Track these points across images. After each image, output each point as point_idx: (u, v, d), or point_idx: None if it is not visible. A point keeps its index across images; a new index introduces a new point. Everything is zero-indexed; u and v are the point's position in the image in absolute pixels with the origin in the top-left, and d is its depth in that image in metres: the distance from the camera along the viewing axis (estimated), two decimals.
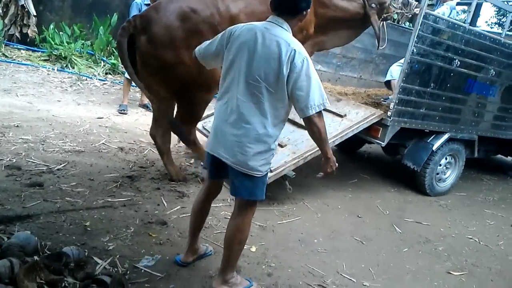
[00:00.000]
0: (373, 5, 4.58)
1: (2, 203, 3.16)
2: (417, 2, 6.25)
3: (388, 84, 5.55)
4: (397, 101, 4.33)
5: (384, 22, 5.55)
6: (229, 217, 2.65)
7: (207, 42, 2.62)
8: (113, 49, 8.39)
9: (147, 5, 5.87)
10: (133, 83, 6.79)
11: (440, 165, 5.05)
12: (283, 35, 2.27)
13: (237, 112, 2.32)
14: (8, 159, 3.88)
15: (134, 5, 5.92)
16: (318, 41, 4.63)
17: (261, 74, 2.25)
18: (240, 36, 2.33)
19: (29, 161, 3.94)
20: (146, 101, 6.32)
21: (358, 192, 4.79)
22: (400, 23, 7.46)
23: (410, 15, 6.67)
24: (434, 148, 4.80)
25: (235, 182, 2.45)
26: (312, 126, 2.30)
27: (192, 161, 4.73)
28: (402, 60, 5.34)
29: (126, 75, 6.18)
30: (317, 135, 2.34)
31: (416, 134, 4.85)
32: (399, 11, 5.18)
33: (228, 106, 2.37)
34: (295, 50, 2.22)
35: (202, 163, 4.37)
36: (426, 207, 4.80)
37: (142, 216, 3.37)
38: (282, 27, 2.30)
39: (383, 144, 4.47)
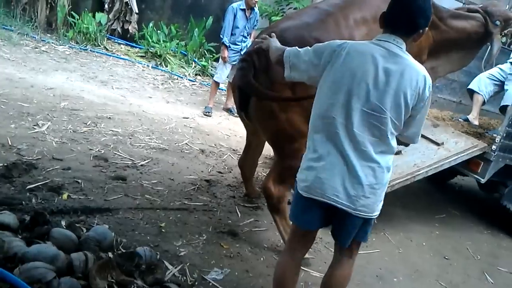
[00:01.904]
0: (498, 22, 4.00)
1: (86, 193, 3.26)
2: None
3: (503, 110, 4.91)
4: (504, 135, 3.87)
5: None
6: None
7: (302, 49, 2.19)
8: (205, 51, 8.58)
9: (242, 10, 5.91)
10: (221, 87, 6.91)
11: None
12: (407, 57, 1.96)
13: (356, 150, 1.96)
14: (97, 149, 4.03)
15: (229, 10, 5.97)
16: (430, 67, 4.16)
17: (386, 103, 1.91)
18: (353, 57, 1.97)
19: (116, 154, 4.06)
20: (231, 105, 6.33)
21: (446, 230, 4.35)
22: (510, 46, 6.79)
23: None
24: None
25: (350, 228, 2.07)
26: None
27: None
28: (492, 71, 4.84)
29: (215, 78, 6.25)
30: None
31: None
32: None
33: (339, 141, 1.97)
34: (425, 76, 1.95)
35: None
36: None
37: (215, 224, 3.30)
38: (401, 47, 1.96)
39: (483, 181, 4.03)
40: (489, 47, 4.20)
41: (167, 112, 5.69)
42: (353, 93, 1.93)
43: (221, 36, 6.03)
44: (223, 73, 6.17)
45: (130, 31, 8.61)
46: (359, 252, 3.37)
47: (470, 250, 4.05)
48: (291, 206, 2.25)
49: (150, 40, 8.32)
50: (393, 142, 2.02)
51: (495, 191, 4.74)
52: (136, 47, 8.52)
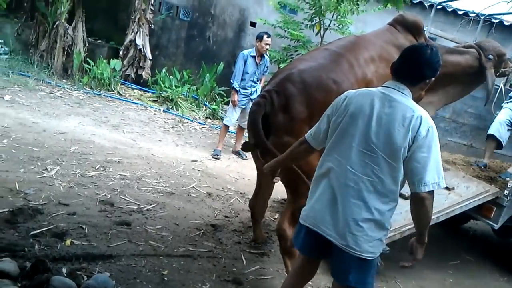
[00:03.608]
0: (490, 56, 4.18)
1: (89, 239, 3.24)
2: None
3: None
4: None
5: (503, 87, 5.07)
6: None
7: (316, 124, 2.36)
8: (216, 95, 8.74)
9: (252, 57, 6.07)
10: (231, 130, 6.98)
11: None
12: (405, 101, 2.03)
13: (347, 186, 2.07)
14: (104, 194, 4.03)
15: (240, 56, 6.13)
16: (428, 102, 4.28)
17: (379, 144, 2.01)
18: (353, 102, 2.12)
19: (123, 198, 4.06)
20: (239, 148, 6.35)
21: (460, 277, 4.19)
22: None
23: None
24: None
25: (341, 264, 2.14)
26: (420, 205, 2.00)
27: (277, 216, 4.54)
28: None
29: (225, 121, 6.32)
30: (423, 217, 2.04)
31: None
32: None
33: (335, 177, 2.11)
34: (421, 117, 1.98)
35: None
36: None
37: (219, 272, 3.23)
38: (402, 92, 2.06)
39: (496, 226, 3.91)
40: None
41: (176, 155, 5.72)
42: (351, 133, 2.08)
43: (231, 81, 6.16)
44: (233, 117, 6.25)
45: (144, 76, 8.86)
46: None
47: None
48: (295, 232, 2.43)
49: (163, 85, 8.52)
50: (392, 185, 2.03)
51: (510, 236, 4.58)
52: (148, 92, 8.72)
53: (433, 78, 2.09)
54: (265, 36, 6.01)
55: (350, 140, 2.08)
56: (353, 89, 2.64)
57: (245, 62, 6.10)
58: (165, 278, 2.99)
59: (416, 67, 2.07)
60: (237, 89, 6.10)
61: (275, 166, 2.55)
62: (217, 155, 6.12)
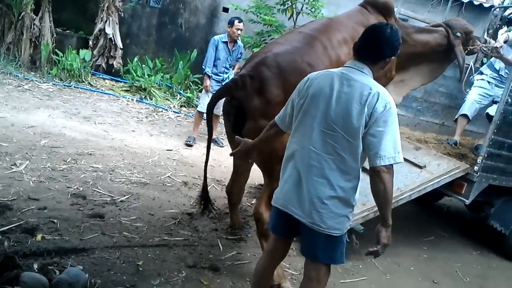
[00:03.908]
0: (458, 34, 4.27)
1: (61, 233, 3.18)
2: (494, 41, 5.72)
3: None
4: (486, 155, 3.86)
5: (473, 66, 5.15)
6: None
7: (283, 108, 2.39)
8: (190, 83, 8.62)
9: (224, 42, 5.96)
10: (205, 117, 6.89)
11: None
12: (363, 80, 2.06)
13: (310, 165, 2.11)
14: (75, 187, 3.96)
15: (212, 42, 6.03)
16: (400, 80, 4.34)
17: (338, 122, 2.05)
18: (314, 84, 2.16)
19: (95, 190, 3.99)
20: (215, 136, 6.30)
21: (435, 252, 4.28)
22: None
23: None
24: None
25: (309, 242, 2.21)
26: (378, 180, 2.00)
27: (253, 201, 4.55)
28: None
29: (198, 108, 6.25)
30: (382, 193, 2.02)
31: (506, 191, 4.29)
32: (485, 46, 4.76)
33: (300, 158, 2.16)
34: (378, 93, 2.01)
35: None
36: None
37: (195, 259, 3.22)
38: (362, 71, 2.09)
39: (467, 202, 4.00)
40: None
41: (150, 145, 5.65)
42: (313, 114, 2.12)
43: (203, 66, 6.08)
44: (206, 102, 6.08)
45: (115, 66, 8.65)
46: (345, 281, 3.36)
47: (459, 273, 3.97)
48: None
49: (135, 74, 8.36)
50: (353, 163, 2.07)
51: (482, 211, 4.70)
52: (121, 82, 8.55)
53: (393, 57, 2.14)
54: (236, 21, 5.91)
55: (311, 120, 2.12)
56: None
57: (217, 48, 6.00)
58: (140, 269, 2.96)
59: (376, 46, 2.10)
60: (209, 74, 6.02)
61: (249, 150, 2.52)
62: (190, 141, 6.03)
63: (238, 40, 6.16)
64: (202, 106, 6.13)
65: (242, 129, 3.00)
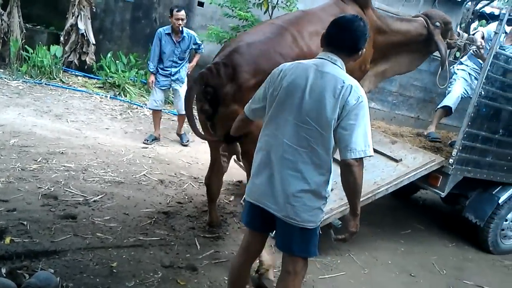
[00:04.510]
0: (437, 23, 4.31)
1: (31, 235, 3.07)
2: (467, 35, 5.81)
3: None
4: (460, 148, 3.90)
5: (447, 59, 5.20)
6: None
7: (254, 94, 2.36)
8: None
9: (168, 34, 5.63)
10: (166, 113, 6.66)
11: (506, 220, 4.48)
12: (336, 72, 2.05)
13: (284, 159, 2.10)
14: (46, 187, 3.83)
15: (156, 35, 5.70)
16: (381, 70, 4.36)
17: (312, 115, 2.03)
18: (288, 75, 2.13)
19: (67, 190, 3.87)
20: (183, 131, 6.11)
21: (412, 245, 4.32)
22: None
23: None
24: (501, 201, 4.27)
25: (284, 236, 2.22)
26: (348, 173, 2.00)
27: (232, 198, 4.50)
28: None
29: (148, 105, 6.11)
30: (351, 185, 2.03)
31: (480, 184, 4.34)
32: (462, 40, 4.82)
33: (273, 151, 2.14)
34: (351, 86, 2.00)
35: (242, 202, 4.10)
36: (489, 268, 4.24)
37: (172, 259, 3.15)
38: (335, 63, 2.08)
39: (443, 194, 4.03)
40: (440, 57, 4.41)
41: (125, 143, 5.52)
42: (287, 107, 2.10)
43: (148, 62, 5.81)
44: (154, 98, 5.84)
45: (88, 62, 8.45)
46: (324, 277, 3.35)
47: (436, 265, 4.01)
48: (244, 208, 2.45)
49: (109, 71, 8.17)
50: (325, 156, 2.06)
51: (457, 203, 4.76)
52: (94, 78, 8.35)
53: (364, 49, 2.15)
54: (175, 11, 5.54)
55: (285, 113, 2.10)
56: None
57: (160, 41, 5.63)
58: (114, 270, 2.88)
59: (352, 39, 2.08)
60: (152, 70, 5.70)
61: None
62: (147, 140, 5.74)
63: (186, 30, 5.76)
64: (150, 103, 5.96)
65: (215, 117, 3.05)
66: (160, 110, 6.05)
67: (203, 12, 9.15)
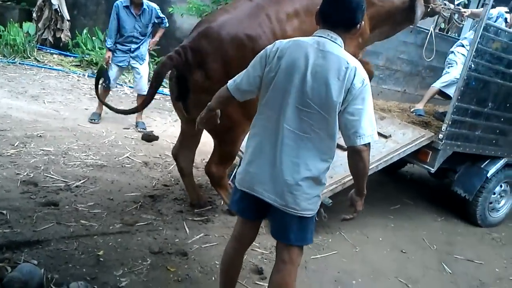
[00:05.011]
0: None
1: (12, 225, 2.93)
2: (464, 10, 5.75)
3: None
4: (450, 122, 3.85)
5: (433, 31, 5.11)
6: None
7: (242, 73, 2.19)
8: None
9: (125, 7, 5.26)
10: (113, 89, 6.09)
11: (494, 193, 4.51)
12: (339, 52, 1.93)
13: (285, 145, 1.98)
14: (25, 173, 3.67)
15: (113, 8, 5.33)
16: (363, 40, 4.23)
17: (314, 99, 1.92)
18: (286, 55, 1.98)
19: (48, 176, 3.71)
20: (140, 119, 5.60)
21: (401, 221, 4.31)
22: (449, 33, 6.94)
23: (462, 25, 6.12)
24: (489, 174, 4.28)
25: (281, 224, 2.11)
26: (357, 158, 1.95)
27: None
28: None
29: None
30: (361, 170, 1.99)
31: (468, 158, 4.34)
32: (447, 8, 4.73)
33: (271, 137, 2.03)
34: (355, 68, 1.89)
35: (231, 183, 4.00)
36: (478, 241, 4.28)
37: (161, 245, 3.05)
38: (335, 42, 1.95)
39: (433, 170, 4.00)
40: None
41: (105, 124, 5.33)
42: (286, 89, 1.96)
43: (106, 37, 5.41)
44: (109, 75, 5.39)
45: (63, 39, 8.15)
46: (316, 257, 3.30)
47: (426, 240, 4.01)
48: (231, 195, 2.36)
49: (85, 48, 7.90)
50: (329, 141, 1.99)
51: (445, 177, 4.75)
52: (70, 56, 8.06)
53: (363, 23, 2.02)
54: None
55: (285, 96, 1.97)
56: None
57: (118, 15, 5.26)
58: (101, 259, 2.78)
59: (349, 12, 1.96)
60: (109, 47, 5.32)
61: (207, 117, 2.32)
62: (94, 119, 5.35)
63: (146, 2, 5.36)
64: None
65: (186, 99, 3.08)
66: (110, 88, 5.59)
67: None
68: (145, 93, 4.90)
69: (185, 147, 3.62)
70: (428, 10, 4.33)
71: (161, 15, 5.56)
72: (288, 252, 2.14)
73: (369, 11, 3.90)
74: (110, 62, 5.40)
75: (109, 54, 5.38)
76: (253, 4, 3.23)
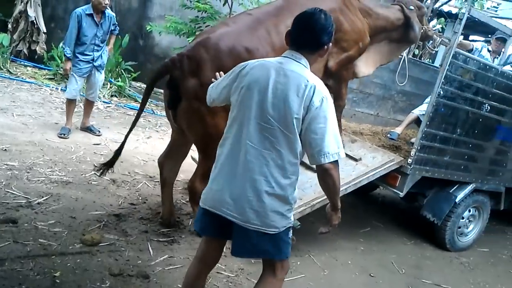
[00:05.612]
0: (411, 7, 4.35)
1: None
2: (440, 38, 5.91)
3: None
4: (419, 147, 3.89)
5: (406, 57, 5.21)
6: None
7: (218, 80, 2.35)
8: (122, 70, 8.13)
9: (88, 15, 5.22)
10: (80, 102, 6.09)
11: (463, 218, 4.55)
12: (300, 71, 1.97)
13: (247, 161, 2.00)
14: None
15: (73, 16, 5.19)
16: (364, 59, 4.23)
17: (274, 115, 1.96)
18: (251, 73, 2.06)
19: (9, 192, 3.58)
20: (90, 124, 5.66)
21: (371, 244, 4.30)
22: (422, 59, 7.11)
23: (434, 51, 6.29)
24: (458, 199, 4.32)
25: (243, 241, 2.11)
26: (326, 177, 1.97)
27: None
28: None
29: (66, 94, 5.54)
30: (331, 188, 2.02)
31: (437, 182, 4.38)
32: (436, 35, 4.88)
33: (234, 153, 2.05)
34: (314, 86, 1.93)
35: None
36: (446, 265, 4.29)
37: (122, 267, 2.95)
38: (299, 62, 2.00)
39: (402, 194, 4.02)
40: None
41: (75, 139, 5.21)
42: (249, 106, 2.01)
43: (62, 46, 5.37)
44: (73, 87, 5.36)
45: (38, 52, 8.03)
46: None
47: (395, 264, 4.00)
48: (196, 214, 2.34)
49: (60, 61, 7.72)
50: (291, 158, 2.00)
51: (415, 201, 4.79)
52: (44, 69, 7.92)
53: (331, 44, 2.06)
54: None
55: (248, 113, 2.01)
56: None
57: (80, 23, 5.16)
58: (57, 281, 2.67)
59: (313, 35, 2.00)
60: (68, 56, 5.22)
61: None
62: (64, 134, 5.23)
63: (107, 10, 5.41)
64: (69, 92, 5.42)
65: (177, 107, 3.10)
66: (75, 100, 5.56)
67: (162, 2, 8.87)
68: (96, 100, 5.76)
69: (171, 157, 3.61)
70: (422, 31, 4.42)
71: (115, 22, 5.67)
72: (274, 268, 2.20)
73: (368, 20, 4.02)
74: (71, 72, 5.31)
75: (70, 64, 5.28)
76: (252, 18, 3.33)
